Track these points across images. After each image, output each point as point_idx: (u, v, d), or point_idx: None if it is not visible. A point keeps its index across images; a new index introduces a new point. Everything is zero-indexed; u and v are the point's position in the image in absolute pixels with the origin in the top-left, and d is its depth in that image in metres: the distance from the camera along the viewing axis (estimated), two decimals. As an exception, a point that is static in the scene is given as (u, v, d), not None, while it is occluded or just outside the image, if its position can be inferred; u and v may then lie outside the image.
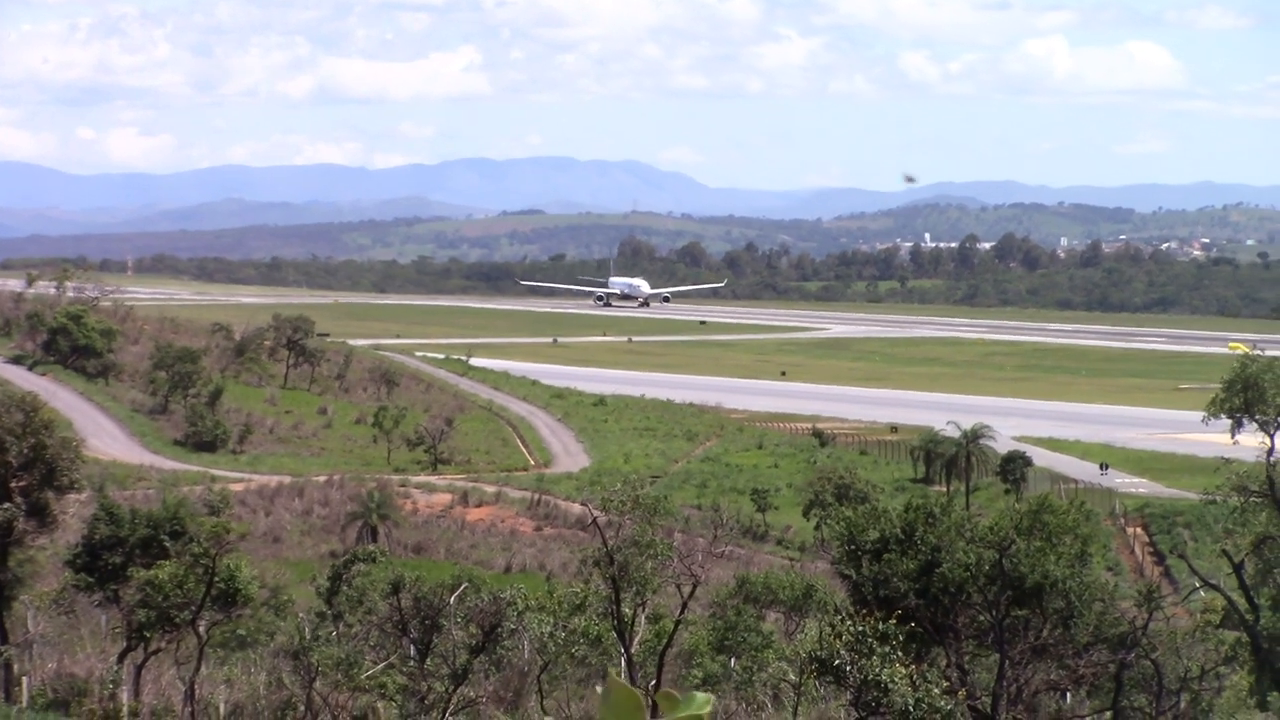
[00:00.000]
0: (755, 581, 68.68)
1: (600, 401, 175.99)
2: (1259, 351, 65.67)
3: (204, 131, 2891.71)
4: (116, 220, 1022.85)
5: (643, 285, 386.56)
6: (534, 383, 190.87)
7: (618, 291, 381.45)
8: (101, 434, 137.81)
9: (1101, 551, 77.81)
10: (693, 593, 44.43)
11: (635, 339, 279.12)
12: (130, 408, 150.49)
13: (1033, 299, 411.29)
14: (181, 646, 48.16)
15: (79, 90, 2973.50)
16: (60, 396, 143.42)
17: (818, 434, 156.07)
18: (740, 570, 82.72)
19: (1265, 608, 50.61)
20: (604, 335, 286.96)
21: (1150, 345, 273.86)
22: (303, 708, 44.21)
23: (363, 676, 43.85)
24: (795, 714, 40.86)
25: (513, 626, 42.96)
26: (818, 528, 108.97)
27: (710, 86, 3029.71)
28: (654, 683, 43.27)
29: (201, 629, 46.60)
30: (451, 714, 42.50)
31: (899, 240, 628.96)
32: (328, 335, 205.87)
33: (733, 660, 55.72)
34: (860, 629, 34.85)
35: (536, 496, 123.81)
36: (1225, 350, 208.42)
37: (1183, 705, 46.47)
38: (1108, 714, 45.66)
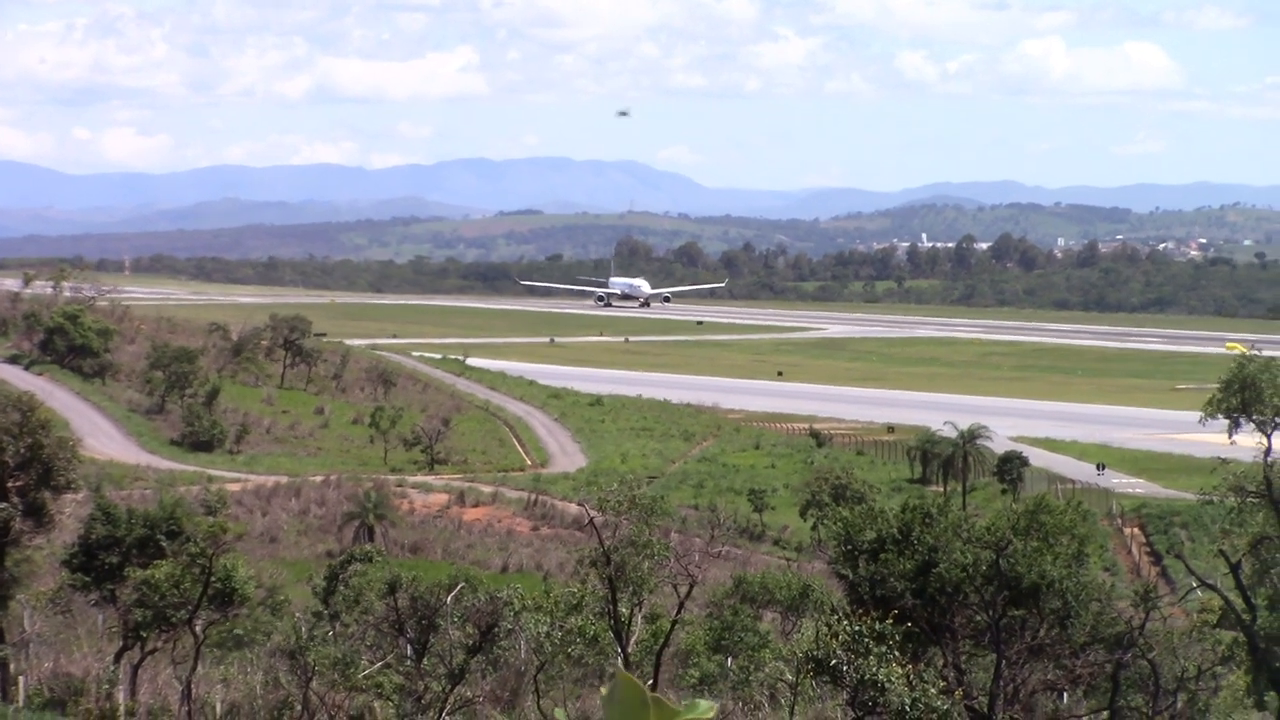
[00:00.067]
0: (752, 581, 68.67)
1: (597, 401, 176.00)
2: (1256, 351, 65.63)
3: (201, 131, 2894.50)
4: (113, 220, 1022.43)
5: (643, 285, 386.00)
6: (531, 383, 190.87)
7: (618, 292, 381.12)
8: (98, 434, 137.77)
9: (1098, 551, 77.80)
10: (689, 592, 44.42)
11: (632, 339, 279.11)
12: (127, 407, 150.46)
13: (1029, 299, 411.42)
14: (178, 646, 48.12)
15: (75, 90, 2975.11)
16: (57, 396, 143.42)
17: (815, 434, 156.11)
18: (737, 570, 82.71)
19: (1262, 608, 50.59)
20: (601, 335, 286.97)
21: (1147, 345, 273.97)
22: (299, 707, 44.19)
23: (359, 676, 43.82)
24: (792, 714, 40.86)
25: (509, 626, 42.94)
26: (814, 528, 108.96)
27: (708, 86, 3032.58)
28: (651, 683, 43.25)
29: (198, 629, 46.57)
30: (448, 714, 42.49)
31: (896, 240, 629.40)
32: (325, 335, 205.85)
33: (729, 660, 55.71)
34: (857, 629, 34.84)
35: (533, 496, 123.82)
36: (1222, 350, 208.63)
37: (1179, 705, 46.47)
38: (1104, 714, 45.66)
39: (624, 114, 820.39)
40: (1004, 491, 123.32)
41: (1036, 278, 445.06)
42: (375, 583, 51.81)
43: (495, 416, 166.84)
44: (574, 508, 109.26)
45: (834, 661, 34.60)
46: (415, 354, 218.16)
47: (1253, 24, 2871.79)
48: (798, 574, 76.11)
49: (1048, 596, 41.28)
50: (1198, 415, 59.88)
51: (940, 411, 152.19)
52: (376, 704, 44.60)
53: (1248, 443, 59.78)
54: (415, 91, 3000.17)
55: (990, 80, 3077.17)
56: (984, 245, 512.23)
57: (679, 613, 45.36)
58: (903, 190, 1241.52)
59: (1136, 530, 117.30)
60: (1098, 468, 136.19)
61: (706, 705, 9.15)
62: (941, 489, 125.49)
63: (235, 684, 47.37)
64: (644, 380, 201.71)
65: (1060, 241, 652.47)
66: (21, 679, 47.15)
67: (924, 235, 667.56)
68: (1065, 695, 46.02)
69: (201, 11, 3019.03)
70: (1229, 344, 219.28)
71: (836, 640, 34.74)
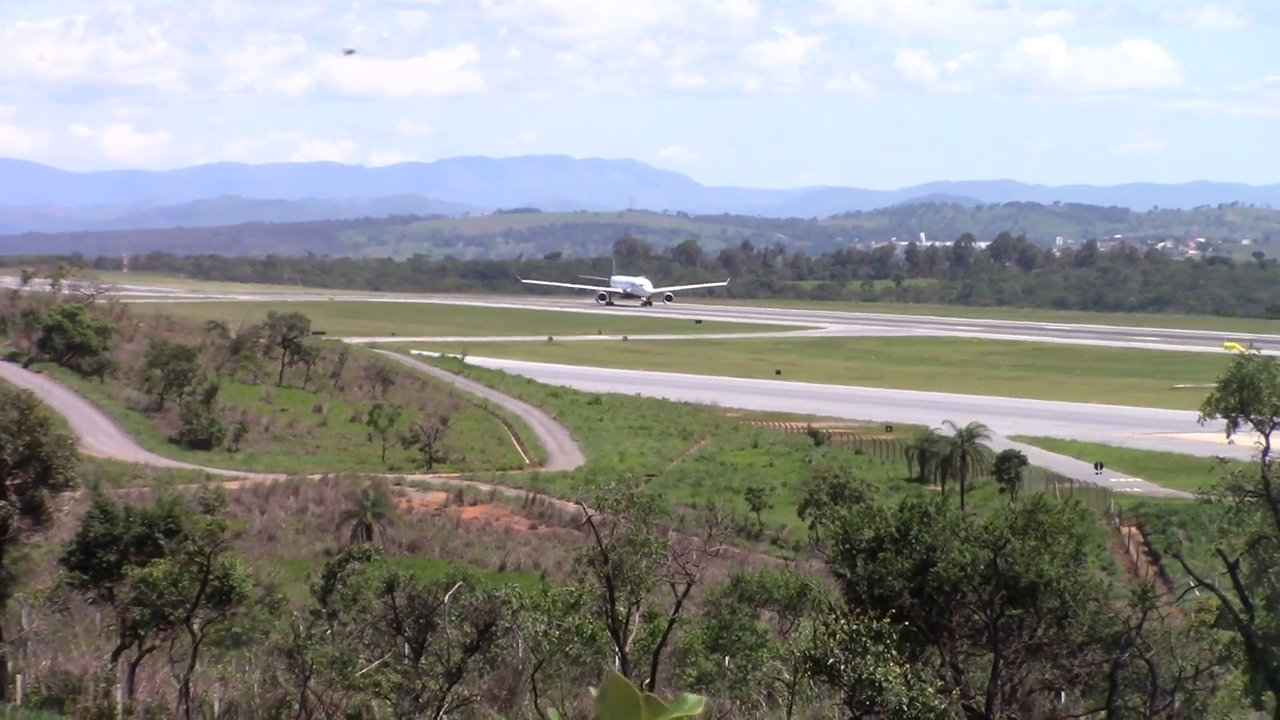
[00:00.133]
0: (750, 580, 68.64)
1: (595, 400, 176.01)
2: (1254, 351, 65.63)
3: (200, 129, 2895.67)
4: (112, 217, 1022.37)
5: (646, 284, 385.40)
6: (529, 381, 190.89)
7: (620, 290, 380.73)
8: (96, 432, 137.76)
9: (1096, 551, 77.88)
10: (687, 591, 44.44)
11: (631, 338, 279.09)
12: (125, 405, 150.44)
13: (1028, 298, 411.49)
14: (176, 644, 48.12)
15: (75, 87, 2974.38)
16: (55, 394, 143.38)
17: (813, 433, 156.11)
18: (735, 569, 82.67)
19: (1260, 607, 50.59)
20: (599, 334, 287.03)
21: (1145, 345, 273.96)
22: (297, 706, 44.19)
23: (357, 675, 43.83)
24: (789, 713, 40.87)
25: (507, 625, 42.94)
26: (812, 527, 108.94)
27: (707, 85, 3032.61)
28: (648, 681, 43.26)
29: (196, 627, 46.56)
30: (446, 712, 42.50)
31: (894, 239, 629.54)
32: (323, 333, 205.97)
33: (727, 659, 55.69)
34: (855, 628, 34.85)
35: (531, 495, 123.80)
36: (1220, 350, 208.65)
37: (1177, 705, 46.48)
38: (1102, 714, 45.68)
39: (350, 52, 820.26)
40: (1002, 491, 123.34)
41: (1035, 277, 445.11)
42: (373, 581, 51.82)
43: (493, 415, 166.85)
44: (572, 506, 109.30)
45: (831, 661, 34.62)
46: (414, 352, 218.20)
47: (1252, 23, 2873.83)
48: (795, 573, 76.12)
49: (1045, 596, 41.29)
50: (1196, 415, 59.82)
51: (938, 411, 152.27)
52: (374, 702, 44.62)
53: (1246, 442, 59.74)
54: (415, 89, 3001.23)
55: (990, 79, 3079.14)
56: (982, 244, 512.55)
57: (676, 611, 45.37)
58: (901, 189, 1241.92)
59: (1134, 529, 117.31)
60: (1096, 467, 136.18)
61: (695, 700, 9.16)
62: (940, 488, 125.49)
63: (233, 682, 47.37)
64: (642, 379, 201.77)
65: (1059, 241, 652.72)
66: (19, 677, 47.15)
67: (922, 234, 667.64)
68: (1063, 695, 46.04)
69: (201, 8, 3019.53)
70: (1227, 343, 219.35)
71: (834, 639, 34.75)
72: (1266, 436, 56.47)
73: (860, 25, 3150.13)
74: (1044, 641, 41.72)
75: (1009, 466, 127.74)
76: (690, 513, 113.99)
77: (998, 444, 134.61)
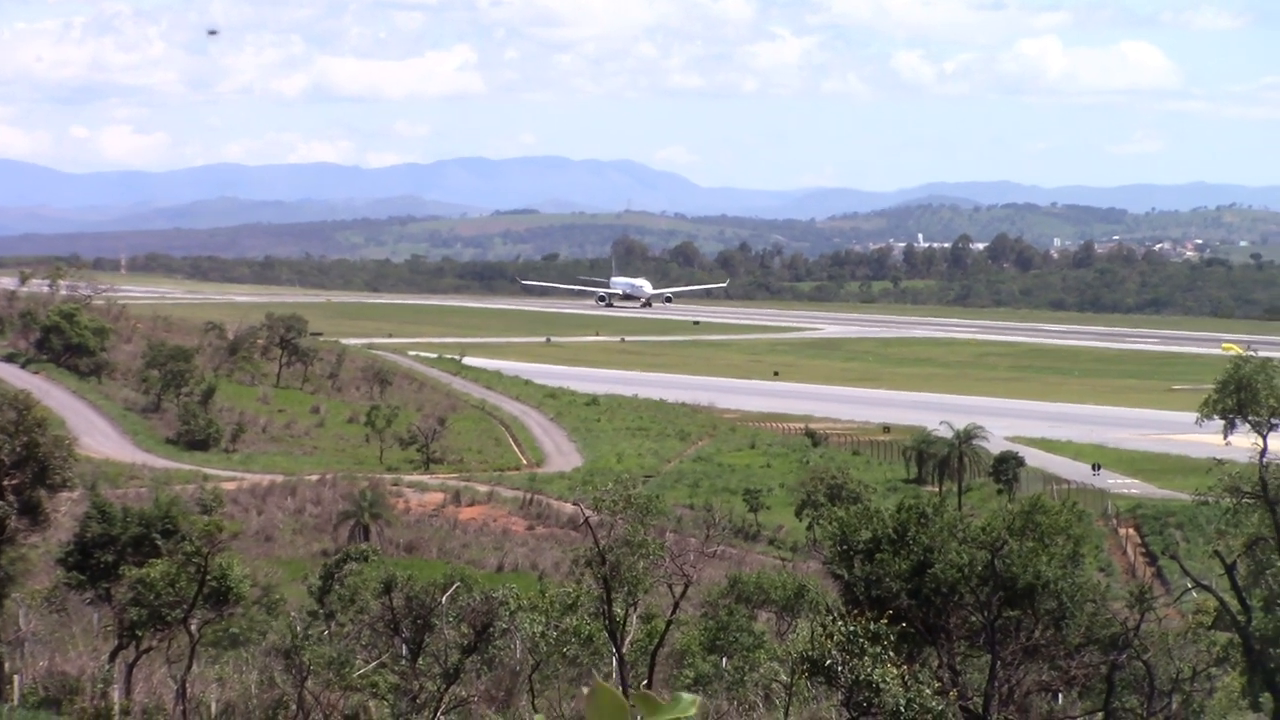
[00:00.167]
0: (747, 581, 68.59)
1: (593, 401, 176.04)
2: (1252, 352, 65.65)
3: (198, 129, 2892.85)
4: (110, 218, 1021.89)
5: (645, 286, 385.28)
6: (527, 382, 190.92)
7: (620, 292, 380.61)
8: (94, 432, 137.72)
9: (1094, 552, 77.83)
10: (684, 592, 44.42)
11: (628, 339, 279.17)
12: (123, 406, 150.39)
13: (1026, 299, 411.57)
14: (173, 645, 48.11)
15: (73, 88, 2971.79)
16: (53, 395, 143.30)
17: (810, 434, 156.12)
18: (732, 570, 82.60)
19: (1257, 609, 50.62)
20: (597, 335, 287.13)
21: (1143, 346, 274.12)
22: (294, 707, 44.18)
23: (354, 676, 43.83)
24: (787, 714, 40.85)
25: (504, 626, 42.93)
26: (810, 528, 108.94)
27: (705, 86, 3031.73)
28: (646, 683, 43.27)
29: (193, 628, 46.54)
30: (443, 713, 42.48)
31: (892, 240, 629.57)
32: (321, 334, 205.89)
33: (724, 660, 55.68)
34: (852, 629, 34.84)
35: (529, 496, 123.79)
36: (1218, 351, 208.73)
37: (1174, 706, 46.49)
38: (1099, 715, 45.69)
39: (213, 33, 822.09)
40: (999, 492, 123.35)
41: (1032, 278, 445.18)
42: (370, 582, 51.84)
43: (491, 416, 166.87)
44: (569, 507, 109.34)
45: (829, 662, 34.61)
46: (411, 353, 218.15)
47: (1250, 24, 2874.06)
48: (793, 574, 76.05)
49: (1043, 597, 41.31)
50: (1193, 416, 59.84)
51: (936, 412, 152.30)
52: (371, 703, 44.60)
53: (1243, 443, 59.78)
54: (413, 90, 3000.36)
55: (987, 80, 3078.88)
56: (980, 245, 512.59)
57: (674, 613, 45.36)
58: (899, 190, 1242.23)
59: (1132, 531, 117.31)
60: (1093, 468, 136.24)
61: (690, 699, 9.16)
62: (937, 489, 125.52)
63: (230, 683, 47.35)
64: (640, 380, 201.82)
65: (1056, 242, 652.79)
66: (16, 677, 47.12)
67: (920, 235, 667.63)
68: (1060, 696, 46.03)
69: (199, 9, 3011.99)
70: (1225, 345, 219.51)
71: (831, 641, 34.74)
72: (1264, 438, 56.48)
73: (857, 25, 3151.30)
74: (1041, 643, 41.73)
75: (1006, 467, 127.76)
76: (688, 514, 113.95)
77: (995, 445, 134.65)
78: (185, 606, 46.02)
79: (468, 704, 44.04)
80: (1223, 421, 58.47)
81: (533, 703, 42.94)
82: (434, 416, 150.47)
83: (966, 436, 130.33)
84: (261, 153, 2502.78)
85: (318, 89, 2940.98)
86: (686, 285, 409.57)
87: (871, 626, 34.96)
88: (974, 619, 41.48)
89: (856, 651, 34.48)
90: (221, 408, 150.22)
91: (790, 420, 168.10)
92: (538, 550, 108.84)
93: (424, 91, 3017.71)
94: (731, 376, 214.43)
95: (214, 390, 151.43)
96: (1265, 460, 54.49)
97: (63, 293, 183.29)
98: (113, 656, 47.38)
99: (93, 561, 50.25)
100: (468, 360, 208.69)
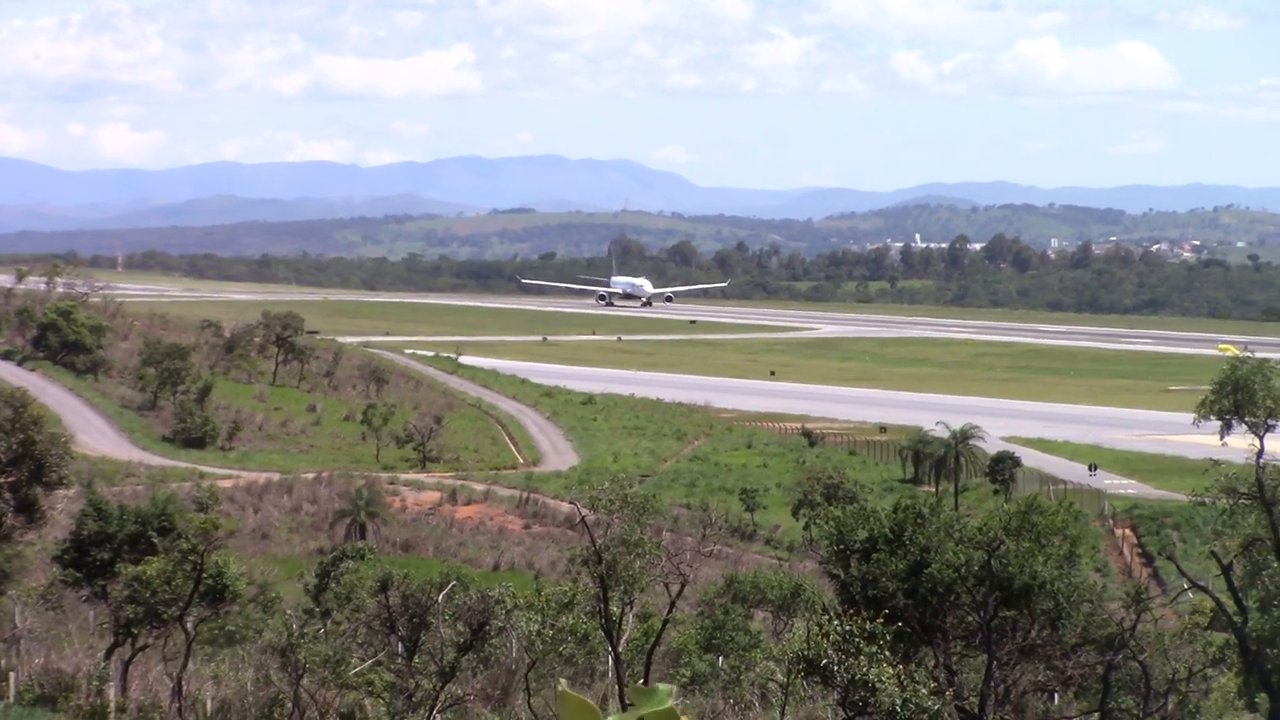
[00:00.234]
0: (743, 581, 68.61)
1: (589, 400, 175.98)
2: (1249, 353, 65.72)
3: (196, 127, 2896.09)
4: (107, 216, 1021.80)
5: (646, 285, 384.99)
6: (523, 381, 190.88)
7: (620, 291, 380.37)
8: (90, 430, 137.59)
9: (1090, 553, 77.82)
10: (680, 591, 44.40)
11: (625, 338, 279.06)
12: (119, 404, 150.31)
13: (1023, 300, 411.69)
14: (169, 643, 48.09)
15: (70, 86, 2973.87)
16: (49, 392, 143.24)
17: (807, 434, 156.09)
18: (728, 569, 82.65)
19: (1253, 609, 50.61)
20: (594, 334, 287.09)
21: (1140, 347, 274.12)
22: (290, 705, 44.16)
23: (350, 674, 43.80)
24: (782, 713, 40.83)
25: (500, 624, 42.90)
26: (806, 527, 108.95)
27: (703, 85, 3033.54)
28: (642, 681, 43.23)
29: (189, 625, 46.52)
30: (439, 712, 42.46)
31: (889, 240, 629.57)
32: (317, 332, 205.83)
33: (720, 659, 55.68)
34: (848, 629, 34.83)
35: (525, 495, 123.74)
36: (1215, 352, 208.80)
37: (1170, 707, 46.46)
38: (1095, 715, 45.66)
39: None
40: (996, 492, 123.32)
41: (1030, 279, 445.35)
42: (367, 580, 51.83)
43: (488, 415, 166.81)
44: (566, 506, 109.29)
45: (825, 661, 34.60)
46: (408, 352, 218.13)
47: (1247, 25, 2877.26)
48: (789, 574, 76.04)
49: (1039, 597, 41.28)
50: (1190, 417, 59.89)
51: (933, 412, 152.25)
52: (367, 702, 44.59)
53: (1240, 444, 59.83)
54: (411, 89, 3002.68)
55: (985, 80, 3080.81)
56: (977, 246, 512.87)
57: (670, 612, 45.36)
58: (896, 190, 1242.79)
59: (1128, 531, 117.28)
60: (1090, 468, 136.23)
61: (665, 689, 9.15)
62: (934, 489, 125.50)
63: (226, 681, 47.32)
64: (637, 379, 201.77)
65: (1054, 242, 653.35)
66: (12, 675, 47.08)
67: (917, 235, 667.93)
68: (1056, 696, 46.02)
69: (197, 7, 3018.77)
70: (1222, 346, 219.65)
71: (828, 640, 34.73)
72: (1261, 438, 56.53)
73: (855, 26, 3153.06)
74: (1038, 643, 41.71)
75: (1003, 468, 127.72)
76: (684, 513, 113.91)
77: (992, 445, 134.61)
78: (181, 604, 45.99)
79: (464, 702, 44.02)
80: (1219, 422, 58.52)
81: (529, 702, 42.92)
82: (430, 415, 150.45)
83: (963, 436, 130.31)
84: (259, 151, 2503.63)
85: (316, 87, 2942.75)
86: (684, 285, 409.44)
87: (868, 626, 34.95)
88: (970, 619, 41.46)
89: (852, 651, 34.46)
90: (218, 406, 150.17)
91: (787, 420, 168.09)
92: (534, 549, 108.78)
93: (422, 90, 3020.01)
94: (728, 376, 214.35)
95: (210, 388, 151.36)
96: (1262, 461, 54.52)
97: (60, 290, 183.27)
98: (108, 654, 47.34)
99: (89, 559, 50.16)
100: (464, 359, 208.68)
